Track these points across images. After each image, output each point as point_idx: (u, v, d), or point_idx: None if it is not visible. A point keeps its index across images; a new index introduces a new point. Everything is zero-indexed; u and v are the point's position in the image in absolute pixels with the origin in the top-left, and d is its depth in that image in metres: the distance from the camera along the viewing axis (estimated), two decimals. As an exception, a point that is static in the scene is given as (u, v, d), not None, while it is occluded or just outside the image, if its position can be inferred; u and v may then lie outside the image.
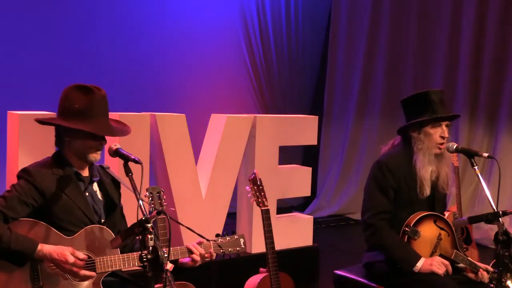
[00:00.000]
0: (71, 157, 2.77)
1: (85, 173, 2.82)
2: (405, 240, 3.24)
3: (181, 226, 3.05)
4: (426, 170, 3.32)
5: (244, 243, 3.04)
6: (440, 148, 3.34)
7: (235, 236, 3.02)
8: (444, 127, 3.34)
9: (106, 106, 2.78)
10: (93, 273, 2.63)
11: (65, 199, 2.70)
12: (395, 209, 3.34)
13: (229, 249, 2.98)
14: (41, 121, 2.83)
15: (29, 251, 2.55)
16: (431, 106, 3.32)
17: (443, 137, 3.33)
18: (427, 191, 3.34)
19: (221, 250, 2.95)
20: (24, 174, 2.70)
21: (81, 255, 2.61)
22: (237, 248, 3.01)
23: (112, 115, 2.89)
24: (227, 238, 2.99)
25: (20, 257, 2.55)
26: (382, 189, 3.32)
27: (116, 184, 2.95)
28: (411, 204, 3.33)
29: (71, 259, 2.56)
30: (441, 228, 3.31)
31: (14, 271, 2.58)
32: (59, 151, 2.80)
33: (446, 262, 3.20)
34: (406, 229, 3.24)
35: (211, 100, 7.49)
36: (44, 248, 2.57)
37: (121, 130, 2.87)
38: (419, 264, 3.17)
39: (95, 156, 2.76)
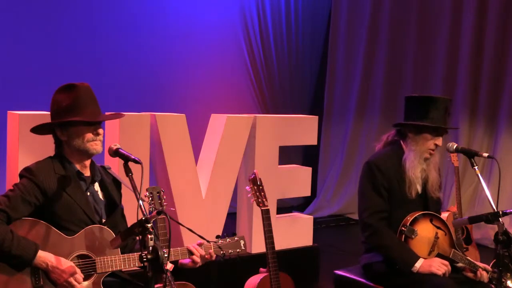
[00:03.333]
0: (72, 156, 2.77)
1: (87, 172, 2.83)
2: (403, 239, 3.24)
3: (181, 226, 3.05)
4: (415, 170, 3.33)
5: (244, 245, 3.04)
6: (430, 154, 3.35)
7: (236, 238, 3.02)
8: (440, 137, 3.35)
9: (93, 96, 2.79)
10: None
11: (66, 198, 2.70)
12: (390, 208, 3.34)
13: (229, 251, 2.98)
14: (36, 128, 2.81)
15: (28, 258, 2.55)
16: (437, 114, 3.30)
17: (436, 145, 3.34)
18: (418, 189, 3.35)
19: (221, 252, 2.95)
20: (27, 173, 2.70)
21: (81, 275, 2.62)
22: (237, 250, 3.01)
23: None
24: (227, 239, 2.99)
25: (19, 262, 2.55)
26: (376, 189, 3.33)
27: (117, 184, 2.96)
28: (404, 204, 3.33)
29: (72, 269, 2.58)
30: (438, 227, 3.31)
31: (14, 271, 2.57)
32: (60, 152, 2.80)
33: (446, 263, 3.20)
34: (403, 228, 3.24)
35: (211, 100, 7.49)
36: (44, 255, 2.57)
37: (114, 115, 2.95)
38: (418, 265, 3.18)
39: (95, 148, 2.75)
